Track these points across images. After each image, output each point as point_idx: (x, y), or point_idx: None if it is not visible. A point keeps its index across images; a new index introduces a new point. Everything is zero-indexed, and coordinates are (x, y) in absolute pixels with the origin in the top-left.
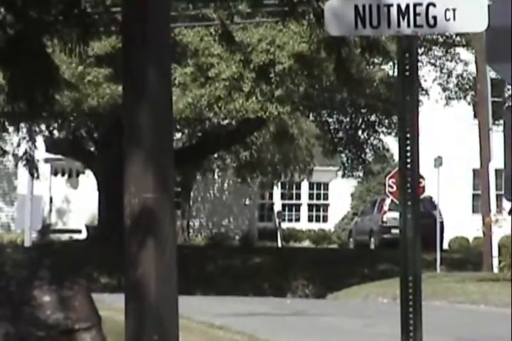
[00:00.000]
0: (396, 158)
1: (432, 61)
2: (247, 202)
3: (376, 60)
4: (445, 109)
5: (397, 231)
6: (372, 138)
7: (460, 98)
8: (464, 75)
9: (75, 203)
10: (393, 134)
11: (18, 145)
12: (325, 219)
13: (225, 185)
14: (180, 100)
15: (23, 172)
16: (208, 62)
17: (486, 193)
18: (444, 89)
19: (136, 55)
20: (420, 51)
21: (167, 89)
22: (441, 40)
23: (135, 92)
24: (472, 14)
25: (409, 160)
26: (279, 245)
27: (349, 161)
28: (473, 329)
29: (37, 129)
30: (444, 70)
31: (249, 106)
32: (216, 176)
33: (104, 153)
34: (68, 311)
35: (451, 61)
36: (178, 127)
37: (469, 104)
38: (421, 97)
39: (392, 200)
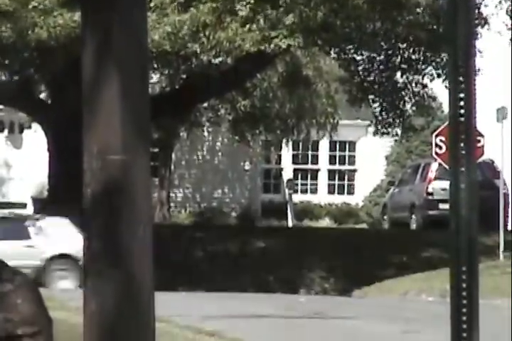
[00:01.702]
0: (446, 108)
1: None
2: (247, 167)
3: None
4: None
5: (446, 206)
6: (414, 82)
7: None
8: None
9: (18, 168)
10: (442, 77)
11: None
12: (351, 190)
13: (218, 144)
14: (156, 29)
15: None
16: None
17: None
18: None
19: None
20: None
21: (141, 12)
22: None
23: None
24: None
25: (463, 112)
26: (290, 224)
27: (383, 113)
28: None
29: None
30: None
31: (248, 35)
32: (206, 132)
33: (57, 101)
34: (8, 311)
35: None
36: (155, 66)
37: None
38: (479, 28)
39: (440, 165)
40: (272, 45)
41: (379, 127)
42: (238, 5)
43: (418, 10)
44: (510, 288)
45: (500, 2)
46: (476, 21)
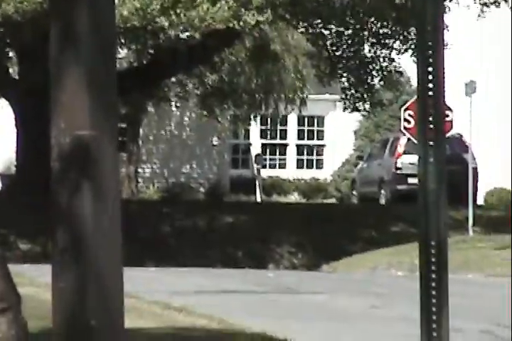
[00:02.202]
0: (414, 82)
1: None
2: (216, 142)
3: None
4: (481, 18)
5: (415, 180)
6: (381, 56)
7: (499, 2)
8: None
9: None
10: (410, 51)
11: None
12: (319, 164)
13: (186, 119)
14: (124, 5)
15: None
16: None
17: None
18: None
19: None
20: None
21: None
22: None
23: None
24: None
25: (431, 86)
26: (259, 199)
27: (352, 88)
28: None
29: None
30: None
31: (218, 13)
32: (174, 107)
33: (25, 76)
34: None
35: None
36: (122, 41)
37: None
38: (447, 3)
39: (409, 139)
40: (241, 23)
41: (348, 103)
42: None
43: None
44: (511, 267)
45: None
46: None
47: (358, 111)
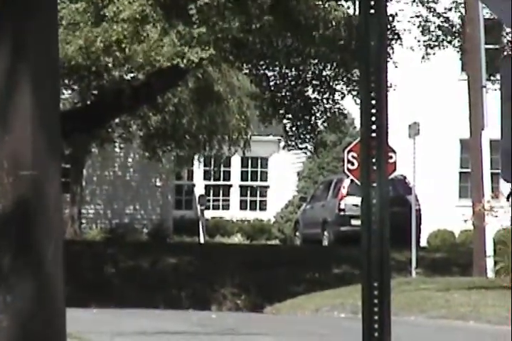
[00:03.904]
0: (357, 124)
1: None
2: (159, 183)
3: None
4: (424, 59)
5: (358, 222)
6: (325, 98)
7: (444, 46)
8: (450, 15)
9: None
10: (354, 93)
11: None
12: (263, 206)
13: (130, 160)
14: (68, 44)
15: None
16: None
17: (477, 172)
18: (424, 32)
19: None
20: None
21: (53, 25)
22: None
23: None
24: None
25: (374, 128)
26: (202, 240)
27: (295, 129)
28: None
29: None
30: (425, 8)
31: (162, 49)
32: (118, 148)
33: None
34: None
35: None
36: (66, 82)
37: (458, 52)
38: (392, 44)
39: (352, 181)
40: (185, 60)
41: (290, 143)
42: (148, 26)
43: (330, 26)
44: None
45: (412, 17)
46: (389, 37)
47: (300, 149)
